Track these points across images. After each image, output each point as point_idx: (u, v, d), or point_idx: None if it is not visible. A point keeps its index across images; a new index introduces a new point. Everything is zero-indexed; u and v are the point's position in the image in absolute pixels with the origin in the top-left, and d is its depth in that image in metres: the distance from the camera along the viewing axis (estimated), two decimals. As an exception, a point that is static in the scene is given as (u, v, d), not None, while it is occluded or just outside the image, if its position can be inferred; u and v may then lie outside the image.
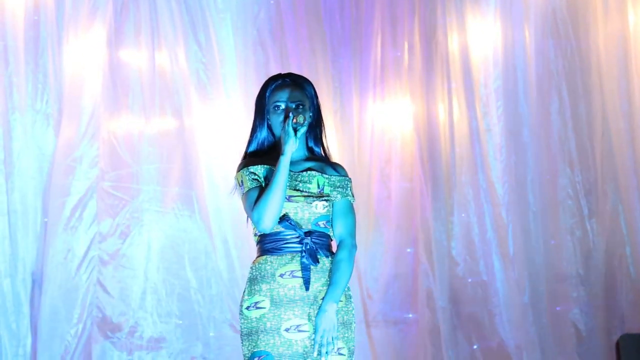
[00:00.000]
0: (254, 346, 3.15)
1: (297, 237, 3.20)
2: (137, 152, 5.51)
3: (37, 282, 5.32)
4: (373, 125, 5.91)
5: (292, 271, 3.18)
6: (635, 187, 5.85)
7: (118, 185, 5.44)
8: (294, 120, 3.17)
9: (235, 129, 5.55)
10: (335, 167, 3.34)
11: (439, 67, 5.92)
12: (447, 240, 5.76)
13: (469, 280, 5.78)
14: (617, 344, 5.55)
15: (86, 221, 5.36)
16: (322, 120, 3.37)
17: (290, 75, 3.34)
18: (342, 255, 3.22)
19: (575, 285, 5.85)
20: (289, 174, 3.19)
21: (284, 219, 3.20)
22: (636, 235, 5.84)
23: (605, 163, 5.91)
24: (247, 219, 3.29)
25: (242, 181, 3.25)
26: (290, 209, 3.21)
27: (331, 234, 3.28)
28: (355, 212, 3.33)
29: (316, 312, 3.15)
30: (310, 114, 3.28)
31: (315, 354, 3.12)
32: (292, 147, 3.16)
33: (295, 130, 3.17)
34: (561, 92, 5.94)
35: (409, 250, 5.85)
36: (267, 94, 3.31)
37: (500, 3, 5.99)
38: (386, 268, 5.80)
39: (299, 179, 3.24)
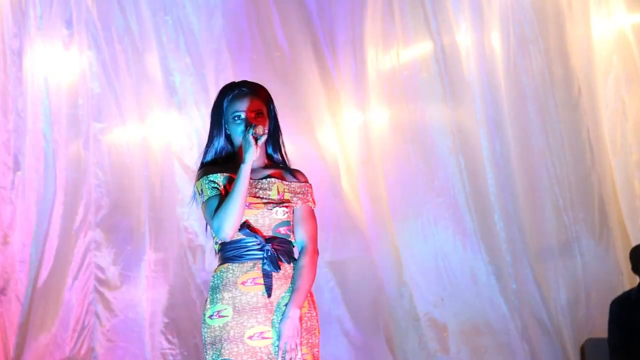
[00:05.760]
0: (218, 355, 3.13)
1: (258, 244, 3.18)
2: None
3: None
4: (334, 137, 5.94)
5: (254, 278, 3.16)
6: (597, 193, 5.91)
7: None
8: (255, 131, 3.17)
9: (191, 138, 5.55)
10: (295, 173, 3.34)
11: (406, 75, 5.94)
12: None
13: None
14: (582, 348, 5.56)
15: None
16: (279, 126, 3.37)
17: (246, 83, 3.33)
18: (304, 261, 3.22)
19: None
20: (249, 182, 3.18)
21: (244, 226, 3.18)
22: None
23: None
24: (207, 227, 3.28)
25: (201, 190, 3.23)
26: (251, 216, 3.19)
27: (293, 240, 3.28)
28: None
29: (279, 318, 3.14)
30: (269, 122, 3.27)
31: (280, 360, 3.11)
32: (254, 156, 3.15)
33: (256, 139, 3.17)
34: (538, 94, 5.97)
35: None
36: (225, 104, 3.30)
37: (470, 9, 6.01)
38: None
39: (258, 186, 3.24)
